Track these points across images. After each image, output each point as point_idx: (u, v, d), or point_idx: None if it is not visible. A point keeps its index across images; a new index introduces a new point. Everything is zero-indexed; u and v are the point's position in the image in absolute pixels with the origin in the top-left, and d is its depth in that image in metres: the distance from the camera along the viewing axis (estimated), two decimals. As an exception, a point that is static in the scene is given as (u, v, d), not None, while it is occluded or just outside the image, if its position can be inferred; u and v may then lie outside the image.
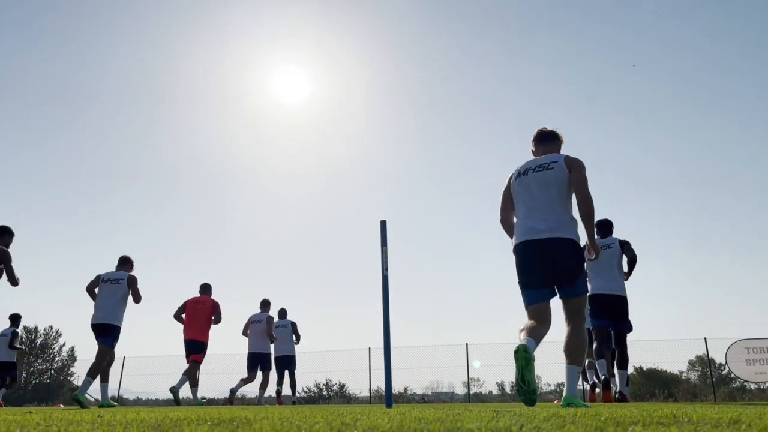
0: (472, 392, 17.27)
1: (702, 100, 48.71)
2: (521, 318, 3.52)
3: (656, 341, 15.52)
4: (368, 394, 16.85)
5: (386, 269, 4.41)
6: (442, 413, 2.60)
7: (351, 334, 38.01)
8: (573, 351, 3.51)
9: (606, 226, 6.05)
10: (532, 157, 4.00)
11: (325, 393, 19.77)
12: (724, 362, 15.04)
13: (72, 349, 34.56)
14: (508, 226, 3.89)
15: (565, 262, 3.50)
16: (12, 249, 6.61)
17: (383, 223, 4.62)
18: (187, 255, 47.99)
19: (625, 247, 6.12)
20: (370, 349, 16.12)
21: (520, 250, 3.65)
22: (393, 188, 54.65)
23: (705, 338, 14.80)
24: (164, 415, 2.67)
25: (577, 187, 3.57)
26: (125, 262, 7.62)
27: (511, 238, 3.80)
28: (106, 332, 7.11)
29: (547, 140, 3.98)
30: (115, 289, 7.25)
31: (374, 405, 8.34)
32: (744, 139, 43.76)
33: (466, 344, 15.82)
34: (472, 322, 33.54)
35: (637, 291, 32.62)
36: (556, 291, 3.62)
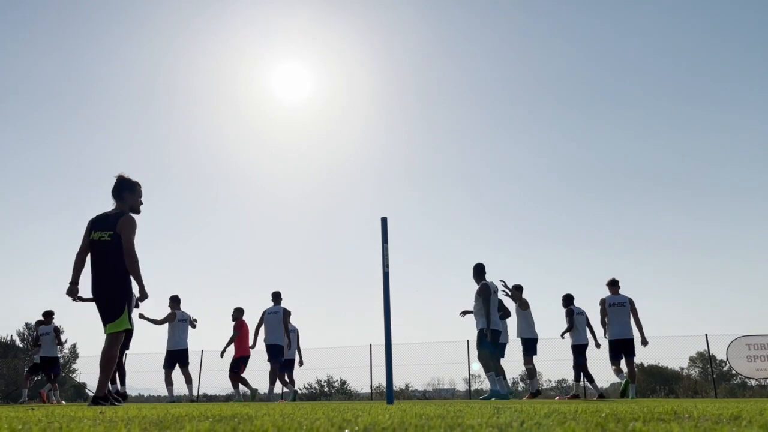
0: (473, 389, 17.29)
1: (711, 96, 48.59)
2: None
3: (657, 338, 15.46)
4: (369, 391, 16.88)
5: (387, 266, 4.41)
6: (443, 410, 2.60)
7: (352, 330, 38.00)
8: (630, 375, 8.49)
9: (616, 284, 8.92)
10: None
11: (326, 390, 19.82)
12: (725, 359, 15.02)
13: (74, 346, 34.56)
14: (604, 326, 8.69)
15: (632, 347, 8.53)
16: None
17: (384, 220, 4.63)
18: (188, 254, 48.03)
19: (632, 305, 8.71)
20: (371, 345, 16.14)
21: (616, 341, 8.47)
22: (394, 185, 54.64)
23: (706, 335, 14.79)
24: (166, 412, 2.68)
25: (633, 313, 8.63)
26: (278, 297, 10.24)
27: (606, 328, 8.67)
28: (273, 352, 9.89)
29: (615, 285, 8.79)
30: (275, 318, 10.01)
31: (375, 402, 8.36)
32: (746, 136, 43.70)
33: (467, 341, 15.80)
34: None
35: (638, 288, 32.60)
36: (624, 356, 8.54)
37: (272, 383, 10.20)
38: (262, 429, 1.37)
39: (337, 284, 44.34)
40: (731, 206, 41.24)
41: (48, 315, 11.53)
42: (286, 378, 10.75)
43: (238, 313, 10.50)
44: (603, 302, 8.67)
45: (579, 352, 9.39)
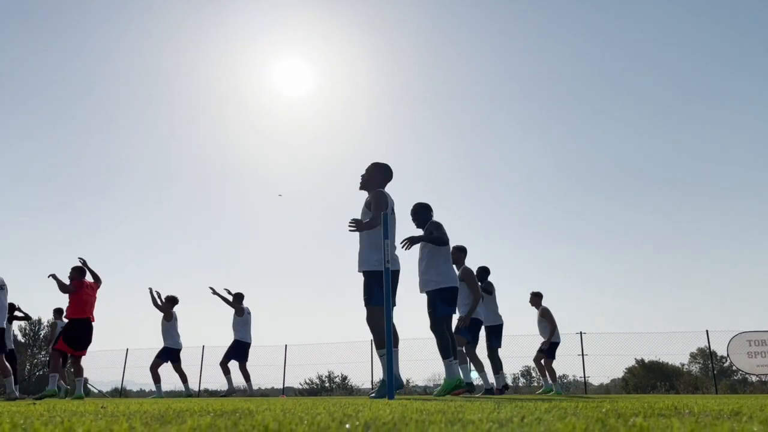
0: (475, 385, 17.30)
1: (717, 95, 48.45)
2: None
3: (658, 333, 15.53)
4: (370, 386, 16.92)
5: (388, 261, 4.41)
6: (443, 405, 2.60)
7: (353, 326, 38.10)
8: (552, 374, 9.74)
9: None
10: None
11: (327, 385, 19.86)
12: (725, 355, 15.04)
13: (75, 342, 34.60)
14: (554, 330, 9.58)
15: None
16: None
17: (385, 216, 4.62)
18: (188, 250, 48.06)
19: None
20: (372, 341, 16.15)
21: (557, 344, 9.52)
22: (396, 180, 54.66)
23: (707, 331, 14.81)
24: (167, 407, 2.69)
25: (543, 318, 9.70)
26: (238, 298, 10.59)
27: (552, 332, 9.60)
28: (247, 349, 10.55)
29: (535, 297, 9.61)
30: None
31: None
32: (748, 134, 43.59)
33: (468, 337, 15.83)
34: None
35: (640, 284, 32.58)
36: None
37: (247, 379, 10.42)
38: (263, 424, 1.37)
39: (337, 279, 44.39)
40: (732, 203, 41.21)
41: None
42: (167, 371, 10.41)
43: (75, 273, 8.56)
44: (550, 311, 9.59)
45: (496, 333, 8.35)
